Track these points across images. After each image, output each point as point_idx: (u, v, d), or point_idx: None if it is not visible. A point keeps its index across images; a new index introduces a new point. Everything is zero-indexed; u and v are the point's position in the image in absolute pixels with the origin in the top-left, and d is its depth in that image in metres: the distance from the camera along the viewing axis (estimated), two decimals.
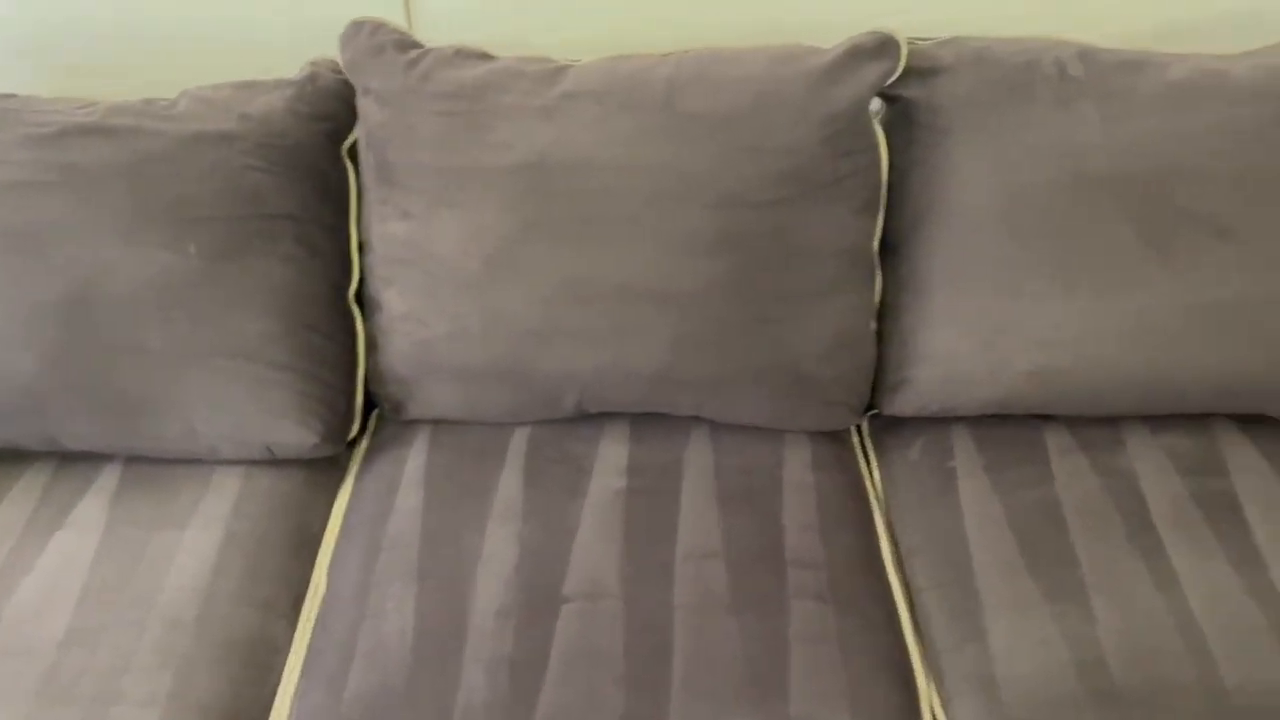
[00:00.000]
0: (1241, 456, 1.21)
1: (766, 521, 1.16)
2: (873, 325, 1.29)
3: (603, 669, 1.00)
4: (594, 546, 1.12)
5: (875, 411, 1.34)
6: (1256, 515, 1.14)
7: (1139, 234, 1.17)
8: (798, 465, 1.24)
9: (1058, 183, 1.18)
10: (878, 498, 1.25)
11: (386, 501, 1.19)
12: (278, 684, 1.05)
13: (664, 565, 1.10)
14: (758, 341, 1.21)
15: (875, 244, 1.27)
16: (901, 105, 1.26)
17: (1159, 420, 1.26)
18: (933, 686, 1.04)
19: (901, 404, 1.29)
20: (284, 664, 1.06)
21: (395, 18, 1.43)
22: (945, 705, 1.02)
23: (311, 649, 1.06)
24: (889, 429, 1.32)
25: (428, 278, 1.20)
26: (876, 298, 1.29)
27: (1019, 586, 1.08)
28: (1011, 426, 1.27)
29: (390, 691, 0.99)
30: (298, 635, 1.09)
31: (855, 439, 1.33)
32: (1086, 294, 1.19)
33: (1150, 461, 1.21)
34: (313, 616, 1.10)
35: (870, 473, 1.29)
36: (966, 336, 1.23)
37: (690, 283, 1.17)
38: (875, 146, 1.23)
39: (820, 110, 1.16)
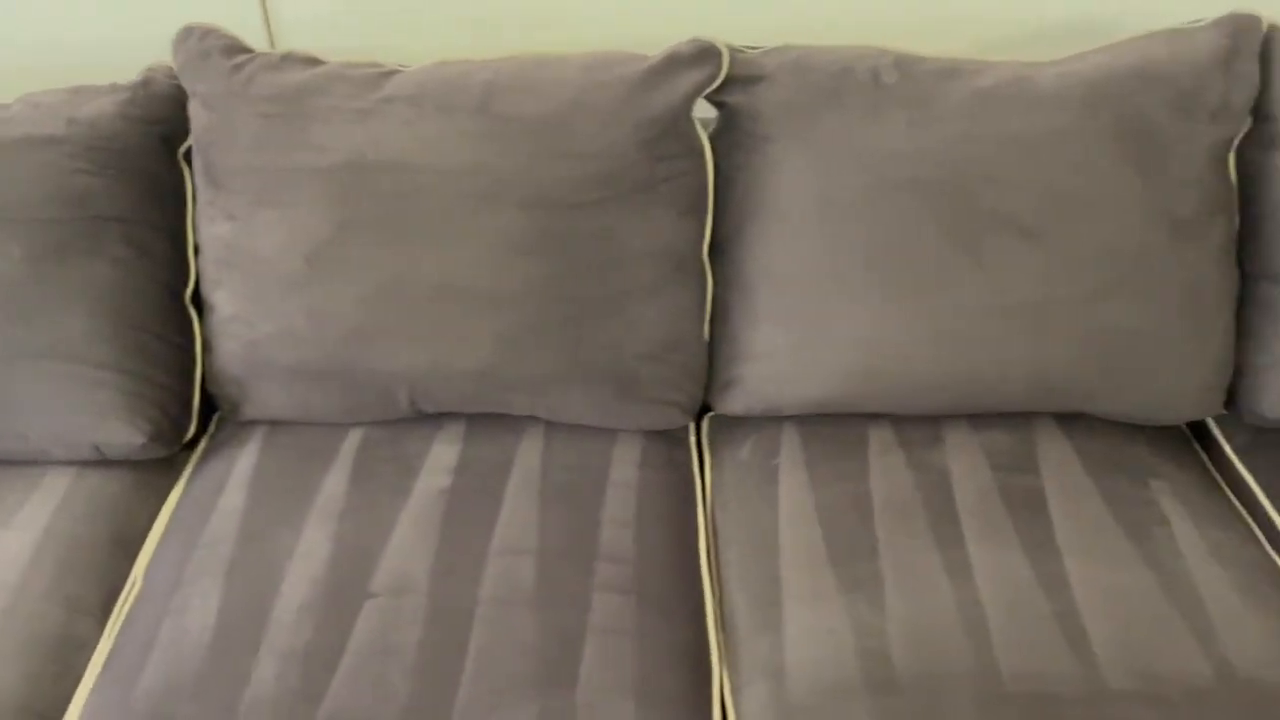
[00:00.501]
0: (1055, 453, 1.24)
1: (584, 518, 1.17)
2: (705, 326, 1.31)
3: (395, 662, 1.01)
4: (408, 544, 1.13)
5: (717, 413, 1.36)
6: (1059, 509, 1.16)
7: (948, 237, 1.21)
8: (625, 464, 1.25)
9: (869, 187, 1.21)
10: (704, 495, 1.27)
11: (211, 501, 1.20)
12: (79, 680, 1.05)
13: (475, 561, 1.11)
14: (583, 341, 1.23)
15: (704, 246, 1.30)
16: (727, 111, 1.29)
17: (981, 418, 1.29)
18: (726, 675, 1.06)
19: (732, 403, 1.31)
20: (88, 660, 1.07)
21: (254, 27, 1.46)
22: (735, 693, 1.04)
23: (115, 646, 1.07)
24: (725, 429, 1.35)
25: (253, 279, 1.22)
26: (708, 299, 1.31)
27: (819, 578, 1.10)
28: (838, 425, 1.30)
29: (181, 685, 0.99)
30: (105, 633, 1.09)
31: (693, 439, 1.36)
32: (899, 295, 1.22)
33: (965, 458, 1.24)
34: (123, 615, 1.11)
35: (703, 471, 1.31)
36: (788, 336, 1.26)
37: (509, 282, 1.19)
38: (699, 151, 1.26)
39: (636, 115, 1.19)
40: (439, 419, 1.31)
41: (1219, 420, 1.32)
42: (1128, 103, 1.18)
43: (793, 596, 1.09)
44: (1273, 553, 1.17)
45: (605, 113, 1.18)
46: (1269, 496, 1.22)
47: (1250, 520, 1.21)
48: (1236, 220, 1.26)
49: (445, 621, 1.05)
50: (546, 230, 1.19)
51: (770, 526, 1.18)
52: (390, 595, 1.07)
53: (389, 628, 1.04)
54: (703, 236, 1.29)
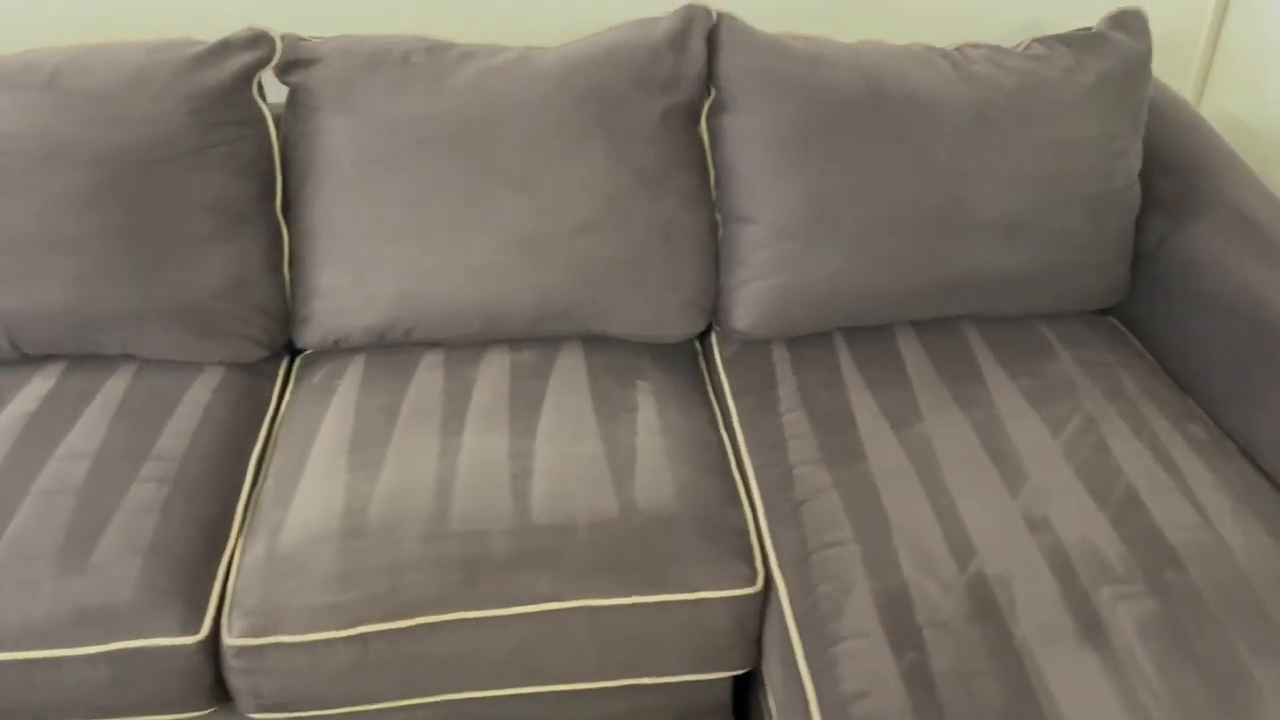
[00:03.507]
0: (569, 366, 1.50)
1: (148, 430, 1.37)
2: (283, 271, 1.54)
3: None
4: None
5: (302, 348, 1.58)
6: (551, 405, 1.42)
7: (460, 186, 1.46)
8: (202, 389, 1.46)
9: (396, 147, 1.46)
10: (273, 414, 1.49)
11: None
12: None
13: (36, 464, 1.30)
14: (156, 283, 1.43)
15: (276, 202, 1.53)
16: (291, 89, 1.52)
17: (521, 343, 1.55)
18: (241, 539, 1.27)
19: (308, 336, 1.54)
20: None
21: None
22: (242, 552, 1.25)
23: None
24: (311, 363, 1.56)
25: None
26: (285, 247, 1.54)
27: (334, 462, 1.32)
28: (401, 352, 1.53)
29: None
30: None
31: (281, 372, 1.57)
32: (427, 237, 1.47)
33: (493, 371, 1.49)
34: None
35: (282, 396, 1.53)
36: (345, 276, 1.50)
37: (80, 231, 1.39)
38: (258, 119, 1.49)
39: (186, 89, 1.41)
40: (42, 360, 1.49)
41: (719, 336, 1.61)
42: (596, 76, 1.47)
43: (308, 476, 1.31)
44: (723, 431, 1.45)
45: (158, 87, 1.40)
46: (732, 391, 1.51)
47: (717, 410, 1.50)
48: (711, 173, 1.56)
49: None
50: (110, 186, 1.39)
51: (313, 429, 1.40)
52: None
53: None
54: (268, 193, 1.51)
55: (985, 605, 1.11)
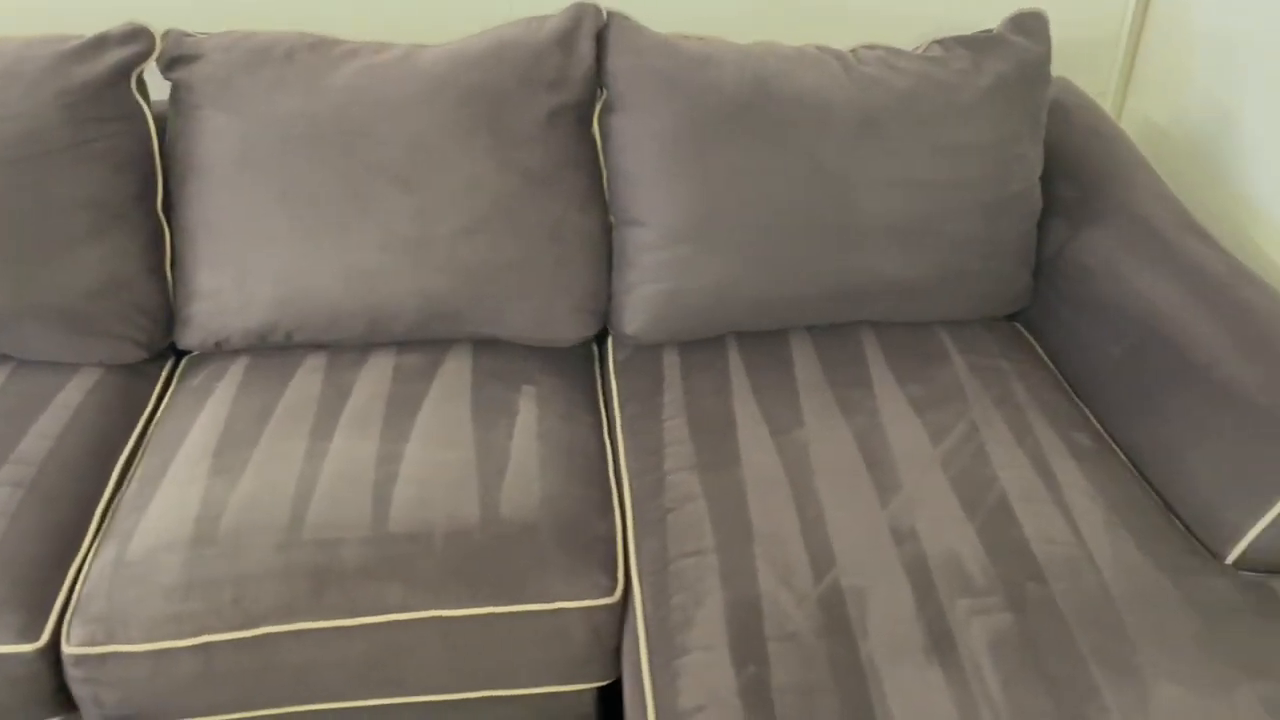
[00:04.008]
0: (454, 369, 1.47)
1: (12, 432, 1.34)
2: (165, 270, 1.51)
3: None
4: None
5: (184, 349, 1.55)
6: (429, 410, 1.39)
7: (340, 185, 1.43)
8: (75, 391, 1.43)
9: (275, 145, 1.43)
10: (149, 416, 1.46)
11: None
12: None
13: None
14: (29, 281, 1.40)
15: (156, 200, 1.50)
16: (174, 85, 1.49)
17: (408, 345, 1.52)
18: (95, 545, 1.24)
19: (188, 338, 1.51)
20: None
21: None
22: (95, 557, 1.22)
23: None
24: (195, 365, 1.53)
25: None
26: (167, 246, 1.51)
27: (196, 466, 1.30)
28: (281, 355, 1.50)
29: None
30: None
31: (164, 374, 1.54)
32: (307, 236, 1.44)
33: (375, 374, 1.45)
34: None
35: (161, 398, 1.50)
36: (225, 276, 1.47)
37: None
38: (136, 116, 1.46)
39: (57, 84, 1.38)
40: None
41: (614, 341, 1.59)
42: (482, 74, 1.44)
43: (169, 481, 1.28)
44: (606, 438, 1.43)
45: (29, 81, 1.37)
46: (620, 397, 1.48)
47: (604, 416, 1.48)
48: (603, 174, 1.54)
49: None
50: None
51: (183, 432, 1.37)
52: None
53: None
54: (147, 190, 1.48)
55: (836, 618, 1.09)
